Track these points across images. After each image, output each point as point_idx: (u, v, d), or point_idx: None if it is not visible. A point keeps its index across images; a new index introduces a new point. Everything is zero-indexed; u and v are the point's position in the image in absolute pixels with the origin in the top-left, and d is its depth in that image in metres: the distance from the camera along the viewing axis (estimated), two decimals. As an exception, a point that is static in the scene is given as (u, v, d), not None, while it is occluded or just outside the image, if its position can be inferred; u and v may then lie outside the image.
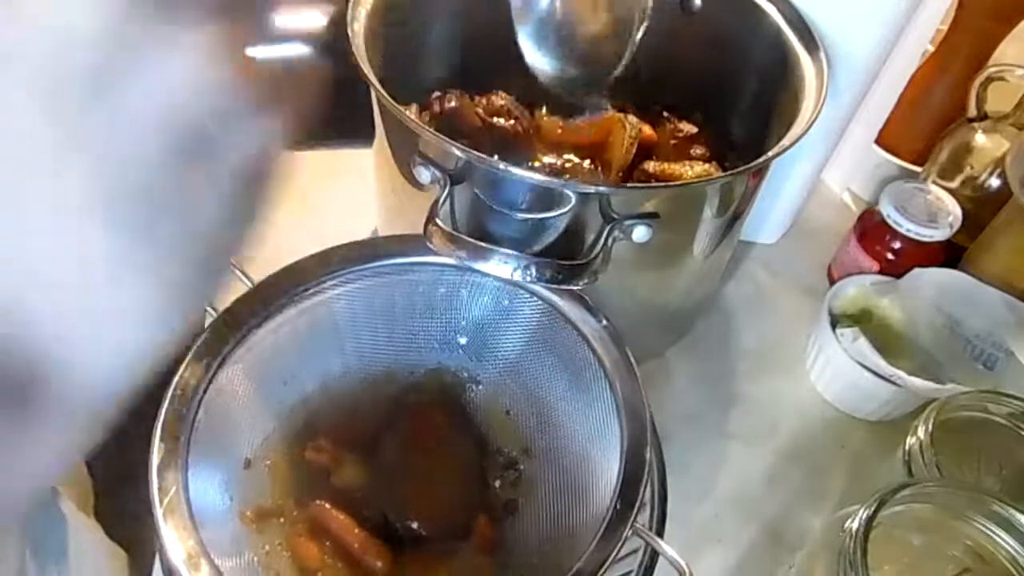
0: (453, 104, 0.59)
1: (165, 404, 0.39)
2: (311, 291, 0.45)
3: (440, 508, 0.45)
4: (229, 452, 0.43)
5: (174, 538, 0.35)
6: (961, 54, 0.66)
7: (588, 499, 0.42)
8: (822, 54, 0.52)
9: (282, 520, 0.43)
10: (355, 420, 0.48)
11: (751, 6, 0.56)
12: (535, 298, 0.46)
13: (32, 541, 0.61)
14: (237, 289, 0.44)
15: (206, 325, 0.43)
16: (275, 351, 0.45)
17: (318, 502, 0.44)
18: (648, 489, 0.41)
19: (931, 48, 0.69)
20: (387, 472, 0.46)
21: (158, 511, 0.36)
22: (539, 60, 0.53)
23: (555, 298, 0.45)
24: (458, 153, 0.44)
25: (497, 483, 0.47)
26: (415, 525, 0.44)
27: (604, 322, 0.44)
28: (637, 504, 0.38)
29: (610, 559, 0.36)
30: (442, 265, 0.47)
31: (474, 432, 0.49)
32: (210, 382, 0.41)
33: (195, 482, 0.38)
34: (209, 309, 0.44)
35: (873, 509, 0.37)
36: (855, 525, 0.37)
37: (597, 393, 0.44)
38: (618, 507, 0.38)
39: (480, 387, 0.50)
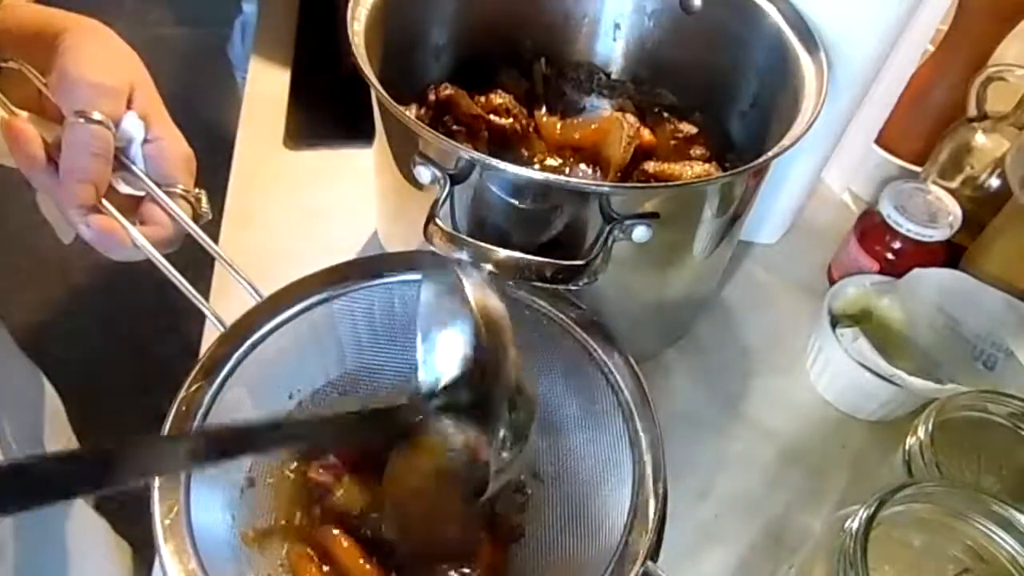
0: (448, 92, 0.59)
1: (169, 420, 0.39)
2: (316, 308, 0.45)
3: (444, 532, 0.44)
4: (232, 470, 0.42)
5: (174, 561, 0.35)
6: (961, 54, 0.66)
7: (597, 528, 0.41)
8: (822, 54, 0.52)
9: (284, 541, 0.43)
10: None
11: (751, 6, 0.56)
12: (546, 318, 0.46)
13: (36, 531, 0.62)
14: (244, 302, 0.44)
15: (207, 333, 0.42)
16: (280, 368, 0.44)
17: (322, 526, 0.43)
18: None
19: (931, 48, 0.69)
20: (391, 493, 0.45)
21: (159, 532, 0.35)
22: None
23: (570, 322, 0.45)
24: (458, 153, 0.44)
25: (503, 507, 0.46)
26: (418, 549, 0.43)
27: (618, 345, 0.44)
28: (650, 540, 0.37)
29: None
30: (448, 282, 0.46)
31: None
32: (215, 397, 0.40)
33: (197, 503, 0.37)
34: (215, 322, 0.43)
35: (873, 509, 0.37)
36: (855, 525, 0.37)
37: (610, 419, 0.43)
38: (628, 542, 0.37)
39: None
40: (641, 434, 0.41)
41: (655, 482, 0.39)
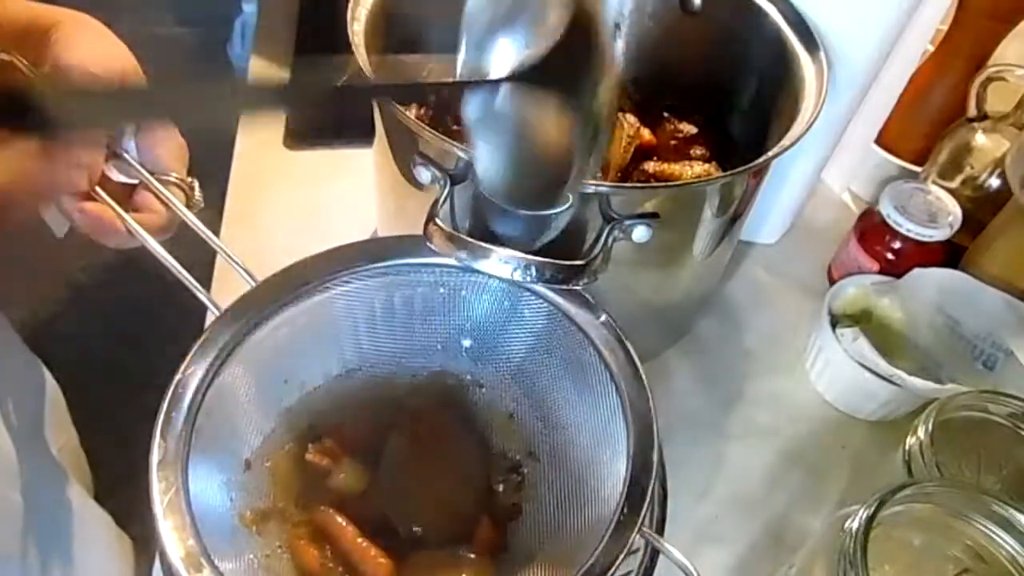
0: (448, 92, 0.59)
1: (166, 402, 0.39)
2: (313, 291, 0.45)
3: (442, 512, 0.45)
4: (230, 452, 0.43)
5: (173, 537, 0.35)
6: (961, 54, 0.66)
7: (593, 502, 0.41)
8: (822, 54, 0.52)
9: (283, 523, 0.43)
10: (357, 422, 0.48)
11: (751, 6, 0.56)
12: (539, 300, 0.46)
13: (39, 525, 0.62)
14: (239, 287, 0.44)
15: (208, 323, 0.43)
16: (276, 351, 0.45)
17: (321, 508, 0.43)
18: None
19: (931, 48, 0.69)
20: (389, 475, 0.45)
21: (158, 509, 0.36)
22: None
23: (559, 299, 0.45)
24: (458, 153, 0.44)
25: (500, 487, 0.46)
26: (417, 529, 0.43)
27: (608, 323, 0.44)
28: (644, 507, 0.38)
29: (617, 562, 0.36)
30: (444, 266, 0.46)
31: (477, 435, 0.48)
32: (211, 381, 0.40)
33: (195, 482, 0.38)
34: (211, 307, 0.44)
35: (873, 509, 0.37)
36: (855, 525, 0.37)
37: (602, 395, 0.43)
38: (625, 510, 0.38)
39: (483, 390, 0.50)
40: (633, 405, 0.41)
41: (649, 451, 0.40)
